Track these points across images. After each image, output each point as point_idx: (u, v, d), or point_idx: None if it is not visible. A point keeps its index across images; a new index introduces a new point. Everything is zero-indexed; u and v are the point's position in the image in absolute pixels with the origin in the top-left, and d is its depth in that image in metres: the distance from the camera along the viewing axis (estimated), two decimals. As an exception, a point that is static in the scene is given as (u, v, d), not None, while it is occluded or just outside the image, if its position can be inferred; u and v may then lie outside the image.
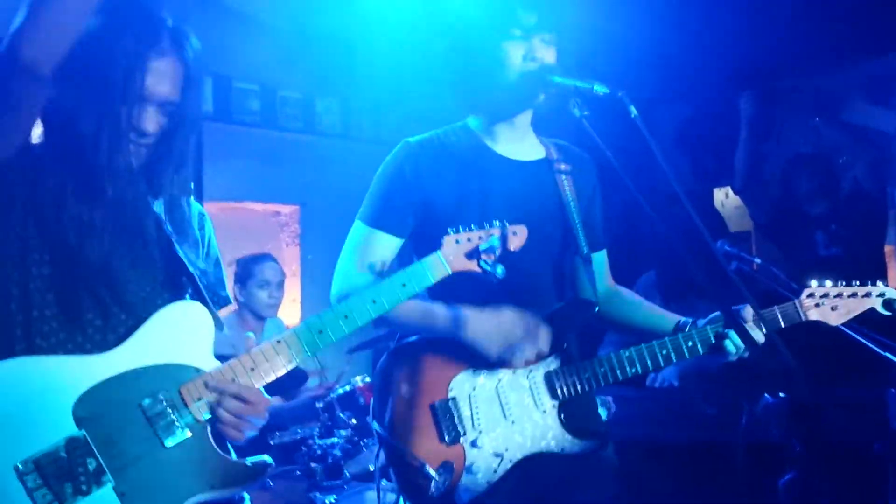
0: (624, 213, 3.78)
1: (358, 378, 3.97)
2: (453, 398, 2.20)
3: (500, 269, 2.06)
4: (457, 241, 2.08)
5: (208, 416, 1.82)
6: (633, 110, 1.94)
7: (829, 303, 2.32)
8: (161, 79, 1.80)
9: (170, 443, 1.79)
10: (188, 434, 1.81)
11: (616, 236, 2.70)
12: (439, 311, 2.21)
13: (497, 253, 2.07)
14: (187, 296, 1.98)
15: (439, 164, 2.29)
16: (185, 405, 1.81)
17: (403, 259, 2.29)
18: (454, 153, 2.32)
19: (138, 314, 1.86)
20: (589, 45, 2.48)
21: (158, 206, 1.95)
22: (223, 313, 1.98)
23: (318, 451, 3.59)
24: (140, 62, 1.76)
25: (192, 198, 2.06)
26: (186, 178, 1.96)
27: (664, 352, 2.26)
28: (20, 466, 1.70)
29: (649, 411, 3.89)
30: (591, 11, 2.67)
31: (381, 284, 2.01)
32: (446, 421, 2.18)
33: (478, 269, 2.07)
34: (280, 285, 4.49)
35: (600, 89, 2.06)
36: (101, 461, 1.74)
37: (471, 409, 2.19)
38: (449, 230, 2.07)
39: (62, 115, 1.76)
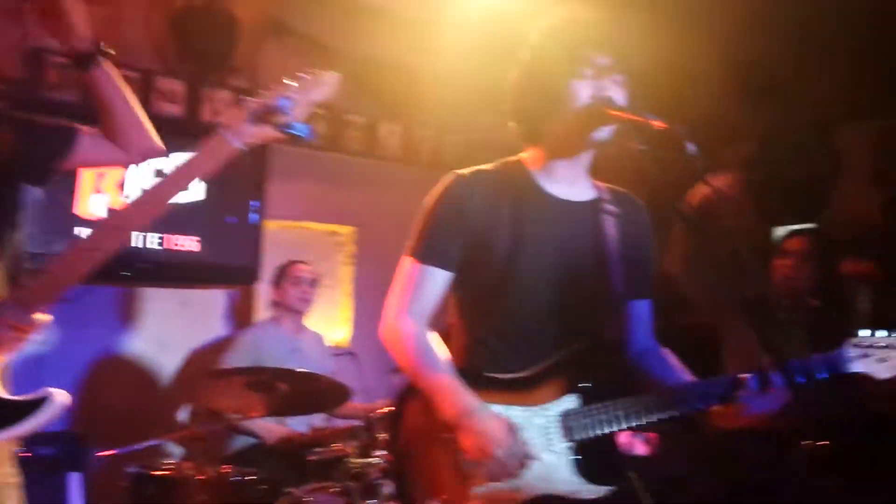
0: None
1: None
2: None
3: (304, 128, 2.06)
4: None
5: None
6: (692, 147, 1.89)
7: (877, 354, 2.14)
8: None
9: None
10: None
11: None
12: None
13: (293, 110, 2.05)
14: None
15: (489, 199, 2.27)
16: None
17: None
18: (505, 188, 2.29)
19: None
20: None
21: None
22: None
23: (356, 470, 3.60)
24: None
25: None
26: None
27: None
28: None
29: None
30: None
31: None
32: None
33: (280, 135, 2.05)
34: (313, 284, 4.72)
35: (659, 124, 2.00)
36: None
37: None
38: None
39: None
